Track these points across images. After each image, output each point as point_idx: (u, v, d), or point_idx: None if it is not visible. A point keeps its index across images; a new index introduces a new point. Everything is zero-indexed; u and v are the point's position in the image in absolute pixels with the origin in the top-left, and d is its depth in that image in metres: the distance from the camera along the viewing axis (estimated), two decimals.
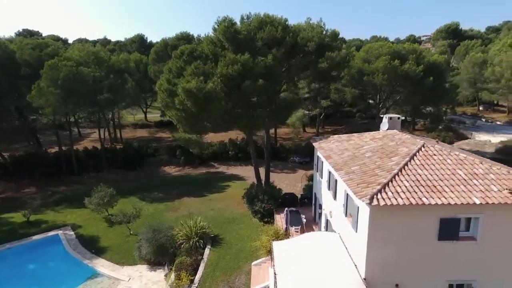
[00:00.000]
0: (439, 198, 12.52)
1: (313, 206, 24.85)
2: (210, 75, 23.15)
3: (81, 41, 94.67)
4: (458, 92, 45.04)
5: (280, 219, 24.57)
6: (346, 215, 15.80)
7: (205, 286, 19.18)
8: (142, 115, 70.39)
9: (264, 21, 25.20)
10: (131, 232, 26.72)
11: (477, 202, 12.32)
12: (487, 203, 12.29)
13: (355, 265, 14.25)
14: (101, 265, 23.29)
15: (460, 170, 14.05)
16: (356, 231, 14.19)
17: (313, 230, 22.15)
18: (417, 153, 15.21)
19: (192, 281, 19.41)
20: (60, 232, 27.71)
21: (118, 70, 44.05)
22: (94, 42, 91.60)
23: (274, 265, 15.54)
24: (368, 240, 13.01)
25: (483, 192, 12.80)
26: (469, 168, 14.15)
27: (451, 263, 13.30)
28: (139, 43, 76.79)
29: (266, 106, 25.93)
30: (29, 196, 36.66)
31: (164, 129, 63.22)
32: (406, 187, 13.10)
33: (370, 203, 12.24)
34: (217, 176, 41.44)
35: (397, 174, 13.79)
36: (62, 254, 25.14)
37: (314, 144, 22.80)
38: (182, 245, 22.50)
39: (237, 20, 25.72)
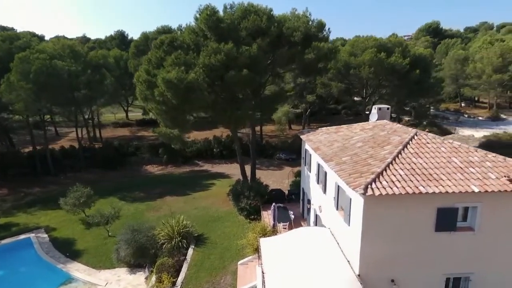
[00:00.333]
0: (436, 187, 11.79)
1: (301, 202, 23.97)
2: (192, 65, 21.95)
3: (59, 38, 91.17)
4: (443, 86, 45.24)
5: (267, 216, 23.58)
6: (337, 208, 14.94)
7: None
8: (123, 114, 68.08)
9: (248, 10, 24.17)
10: (110, 233, 25.17)
11: (476, 190, 11.65)
12: (486, 191, 11.63)
13: (348, 261, 13.39)
14: (76, 269, 21.71)
15: (455, 158, 13.39)
16: (349, 225, 13.33)
17: (301, 226, 21.22)
18: (410, 142, 14.49)
19: (174, 283, 18.17)
20: (32, 235, 25.89)
21: (96, 66, 42.15)
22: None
23: (261, 264, 14.52)
24: (362, 234, 12.16)
25: (481, 180, 12.15)
26: (464, 156, 13.52)
27: (448, 255, 12.61)
28: (120, 40, 74.32)
29: (251, 98, 24.90)
30: None
31: (146, 127, 61.08)
32: (401, 175, 12.32)
33: (364, 193, 11.38)
34: (202, 174, 40.13)
35: (391, 163, 13.00)
36: (33, 259, 23.40)
37: (301, 137, 21.93)
38: (164, 246, 21.21)
39: (220, 10, 24.70)
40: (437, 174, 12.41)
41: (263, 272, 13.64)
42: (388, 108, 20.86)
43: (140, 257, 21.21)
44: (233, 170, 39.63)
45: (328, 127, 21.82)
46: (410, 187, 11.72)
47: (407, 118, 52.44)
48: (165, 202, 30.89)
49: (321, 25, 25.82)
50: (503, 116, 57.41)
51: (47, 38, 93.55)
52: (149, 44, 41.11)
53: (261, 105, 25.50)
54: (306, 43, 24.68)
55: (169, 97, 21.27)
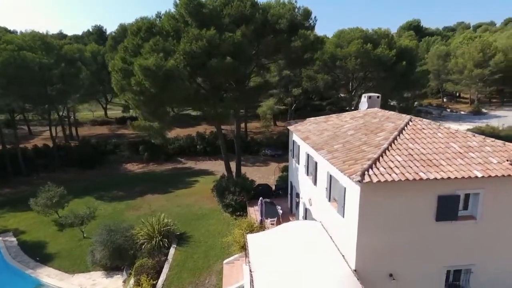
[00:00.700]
0: (437, 173, 10.92)
1: (289, 196, 22.93)
2: (171, 52, 20.51)
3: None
4: (429, 78, 45.24)
5: (254, 212, 22.41)
6: (329, 200, 13.94)
7: None
8: (102, 112, 65.43)
9: None
10: (85, 235, 23.43)
11: (479, 175, 10.85)
12: (490, 176, 10.85)
13: (343, 256, 12.40)
14: (47, 274, 19.93)
15: (454, 143, 12.61)
16: (343, 216, 12.33)
17: (290, 221, 20.16)
18: (405, 127, 13.64)
19: (154, 286, 16.77)
20: None
21: (71, 60, 39.84)
22: None
23: (249, 262, 13.36)
24: (358, 225, 11.17)
25: (482, 164, 11.38)
26: (463, 141, 12.76)
27: (449, 246, 11.79)
28: (98, 35, 71.49)
29: (235, 89, 23.66)
30: None
31: (127, 125, 58.87)
32: (399, 161, 11.41)
33: (361, 181, 10.37)
34: (184, 172, 38.58)
35: (387, 149, 12.08)
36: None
37: (289, 127, 20.88)
38: (144, 246, 19.72)
39: None
40: (437, 160, 11.57)
41: (251, 271, 12.48)
42: (378, 97, 20.08)
43: (118, 259, 19.66)
44: (217, 167, 38.33)
45: (316, 117, 20.88)
46: (410, 173, 10.81)
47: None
48: (146, 201, 29.26)
49: (307, 13, 24.82)
50: (484, 110, 58.32)
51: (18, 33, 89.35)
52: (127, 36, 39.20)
53: (245, 96, 24.25)
54: (292, 31, 23.64)
55: (147, 86, 19.77)
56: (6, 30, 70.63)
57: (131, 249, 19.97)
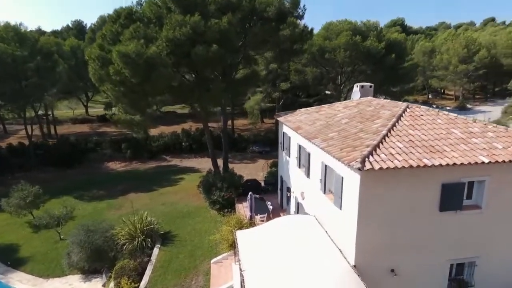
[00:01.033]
0: (441, 159, 10.14)
1: (279, 192, 21.99)
2: (153, 40, 19.22)
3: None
4: (418, 71, 45.14)
5: (242, 209, 21.37)
6: (324, 192, 13.02)
7: None
8: (83, 110, 63.02)
9: None
10: (62, 236, 21.91)
11: (485, 160, 10.13)
12: (496, 161, 10.15)
13: (340, 251, 11.50)
14: (18, 279, 18.40)
15: (455, 129, 11.89)
16: (340, 209, 11.43)
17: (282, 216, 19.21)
18: (403, 114, 12.87)
19: None
20: None
21: (48, 53, 37.77)
22: None
23: (239, 260, 12.32)
24: (358, 217, 10.28)
25: (487, 150, 10.67)
26: (464, 127, 12.07)
27: (453, 238, 11.05)
28: (78, 30, 68.83)
29: (222, 80, 22.54)
30: None
31: (109, 123, 56.73)
32: (400, 148, 10.59)
33: (361, 168, 9.47)
34: (169, 169, 37.15)
35: (386, 135, 11.25)
36: None
37: (279, 119, 19.94)
38: (125, 247, 18.40)
39: None
40: (439, 146, 10.81)
41: (241, 270, 11.44)
42: (370, 86, 19.34)
43: (97, 261, 18.29)
44: (203, 164, 37.03)
45: (307, 108, 20.00)
46: (413, 160, 9.99)
47: None
48: (128, 199, 27.71)
49: (296, 1, 23.93)
50: (468, 106, 58.95)
51: None
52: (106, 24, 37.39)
53: (233, 87, 23.14)
54: (280, 20, 22.69)
55: (127, 76, 18.43)
56: None
57: (111, 250, 18.65)
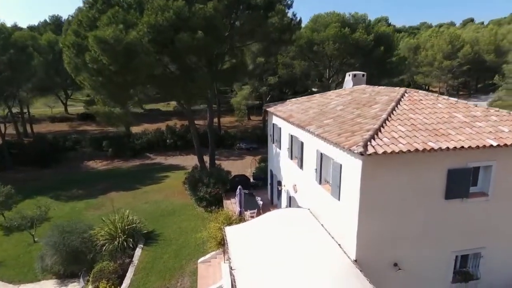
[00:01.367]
0: (448, 142, 9.39)
1: (269, 187, 21.04)
2: (133, 26, 17.93)
3: None
4: (407, 64, 44.95)
5: (231, 205, 20.32)
6: (320, 182, 12.13)
7: None
8: (62, 108, 60.47)
9: None
10: (36, 239, 20.33)
11: (494, 143, 9.43)
12: (505, 144, 9.46)
13: (339, 245, 10.62)
14: None
15: (457, 113, 11.19)
16: (339, 199, 10.54)
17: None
18: (402, 99, 12.10)
19: None
20: None
21: (22, 47, 35.65)
22: None
23: (229, 258, 11.27)
24: (359, 208, 9.41)
25: (493, 133, 9.99)
26: (466, 111, 11.38)
27: (459, 228, 10.32)
28: (56, 25, 65.89)
29: (208, 70, 21.40)
30: None
31: (89, 122, 54.59)
32: (403, 132, 9.78)
33: (364, 152, 8.60)
34: (153, 168, 35.73)
35: (387, 119, 10.44)
36: None
37: (268, 109, 19.00)
38: (104, 248, 17.05)
39: None
40: (443, 130, 10.06)
41: (231, 269, 10.40)
42: (363, 75, 18.66)
43: (73, 264, 16.85)
44: (189, 161, 35.79)
45: (297, 98, 19.13)
46: (418, 143, 9.20)
47: None
48: (109, 199, 26.23)
49: None
50: None
51: None
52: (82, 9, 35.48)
53: (219, 78, 22.02)
54: (268, 7, 21.73)
55: (105, 63, 17.07)
56: None
57: (89, 252, 17.24)
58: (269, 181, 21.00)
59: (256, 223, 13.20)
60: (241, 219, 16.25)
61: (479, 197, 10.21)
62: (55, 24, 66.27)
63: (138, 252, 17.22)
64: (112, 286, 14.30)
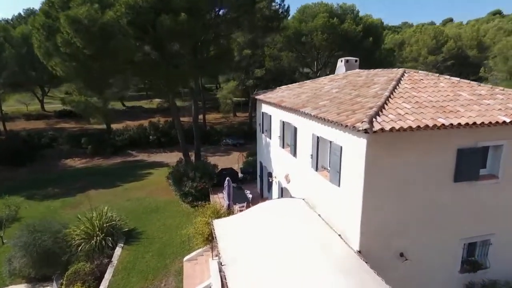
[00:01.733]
0: (458, 118, 8.59)
1: (258, 179, 20.02)
2: (110, 6, 16.53)
3: None
4: (395, 56, 44.68)
5: (218, 200, 19.14)
6: (316, 169, 11.17)
7: None
8: (38, 106, 57.67)
9: None
10: (5, 241, 18.59)
11: (507, 120, 8.70)
12: None
13: (339, 235, 9.67)
14: None
15: (461, 92, 10.45)
16: (339, 186, 9.60)
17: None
18: (402, 78, 11.29)
19: None
20: None
21: None
22: None
23: (218, 254, 10.17)
24: (364, 193, 8.48)
25: (503, 110, 9.27)
26: (470, 90, 10.67)
27: (468, 213, 9.57)
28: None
29: (192, 57, 20.17)
30: None
31: (68, 119, 52.19)
32: (408, 109, 8.93)
33: (369, 130, 7.67)
34: (136, 165, 34.05)
35: (389, 97, 9.57)
36: None
37: (257, 97, 17.98)
38: (80, 248, 15.59)
39: None
40: (451, 107, 9.27)
41: (221, 264, 9.30)
42: (356, 61, 17.88)
43: (45, 267, 15.29)
44: (173, 158, 34.18)
45: (288, 85, 18.17)
46: (427, 119, 8.35)
47: None
48: (88, 197, 24.60)
49: None
50: None
51: None
52: None
53: (204, 65, 20.77)
54: None
55: (79, 46, 15.62)
56: None
57: (64, 253, 15.72)
58: (258, 174, 19.98)
59: (247, 215, 12.13)
60: (229, 212, 15.13)
61: (488, 180, 9.47)
62: (30, 17, 63.20)
63: (118, 251, 15.85)
64: None
